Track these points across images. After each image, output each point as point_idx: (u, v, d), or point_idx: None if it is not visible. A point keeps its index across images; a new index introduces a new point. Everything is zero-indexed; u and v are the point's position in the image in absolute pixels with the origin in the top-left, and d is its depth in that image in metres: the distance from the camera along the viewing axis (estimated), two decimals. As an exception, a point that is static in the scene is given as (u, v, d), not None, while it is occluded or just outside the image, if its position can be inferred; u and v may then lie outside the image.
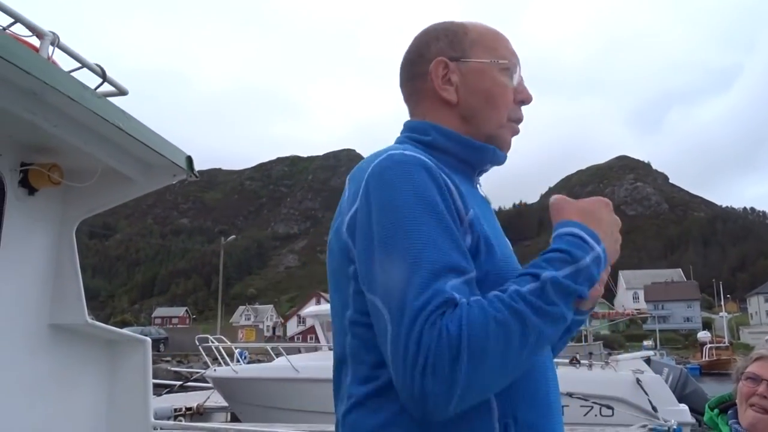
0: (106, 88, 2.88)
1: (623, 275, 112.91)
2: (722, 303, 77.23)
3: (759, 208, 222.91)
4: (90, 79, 2.80)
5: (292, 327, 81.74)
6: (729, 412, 2.09)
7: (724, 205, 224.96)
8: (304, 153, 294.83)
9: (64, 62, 2.79)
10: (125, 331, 3.42)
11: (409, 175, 0.98)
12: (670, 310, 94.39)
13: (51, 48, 2.64)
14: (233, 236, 67.72)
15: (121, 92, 2.92)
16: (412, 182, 0.97)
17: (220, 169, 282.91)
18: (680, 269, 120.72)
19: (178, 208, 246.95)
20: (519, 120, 1.22)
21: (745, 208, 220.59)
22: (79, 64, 2.80)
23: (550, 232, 1.04)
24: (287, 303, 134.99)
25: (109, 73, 2.88)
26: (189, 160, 2.97)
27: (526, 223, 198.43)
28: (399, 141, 1.18)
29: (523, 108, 1.23)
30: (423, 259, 0.90)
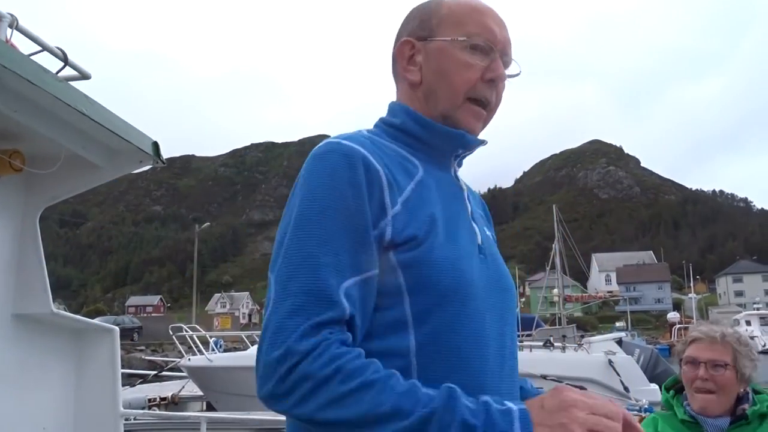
0: (68, 72, 2.80)
1: (596, 258, 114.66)
2: (692, 284, 78.88)
3: (728, 190, 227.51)
4: (51, 63, 2.73)
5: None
6: (684, 392, 2.11)
7: (694, 188, 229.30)
8: (278, 139, 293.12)
9: (24, 45, 2.71)
10: (92, 320, 3.36)
11: (329, 169, 1.02)
12: (641, 291, 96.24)
13: (9, 30, 2.56)
14: (207, 223, 67.06)
15: (84, 76, 2.84)
16: (328, 178, 1.01)
17: (193, 156, 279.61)
18: (651, 251, 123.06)
19: (150, 195, 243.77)
20: (481, 99, 1.15)
21: (714, 191, 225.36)
22: (39, 48, 2.72)
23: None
24: (263, 290, 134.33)
25: (71, 57, 2.81)
26: (155, 145, 2.91)
27: (501, 207, 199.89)
28: (376, 123, 1.22)
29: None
30: (316, 268, 0.95)
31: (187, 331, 11.74)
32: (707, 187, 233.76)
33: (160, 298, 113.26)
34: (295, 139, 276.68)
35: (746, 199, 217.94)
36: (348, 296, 0.96)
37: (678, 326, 54.15)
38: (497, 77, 1.16)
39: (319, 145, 1.07)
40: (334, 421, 0.88)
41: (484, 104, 1.17)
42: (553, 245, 31.49)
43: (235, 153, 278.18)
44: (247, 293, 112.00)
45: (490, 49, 1.15)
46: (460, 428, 0.85)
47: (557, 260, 31.13)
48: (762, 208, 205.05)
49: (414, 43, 1.18)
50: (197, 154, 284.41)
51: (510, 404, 0.89)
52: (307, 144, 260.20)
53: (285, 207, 1.06)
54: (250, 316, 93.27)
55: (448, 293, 1.02)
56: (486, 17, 1.18)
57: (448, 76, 1.15)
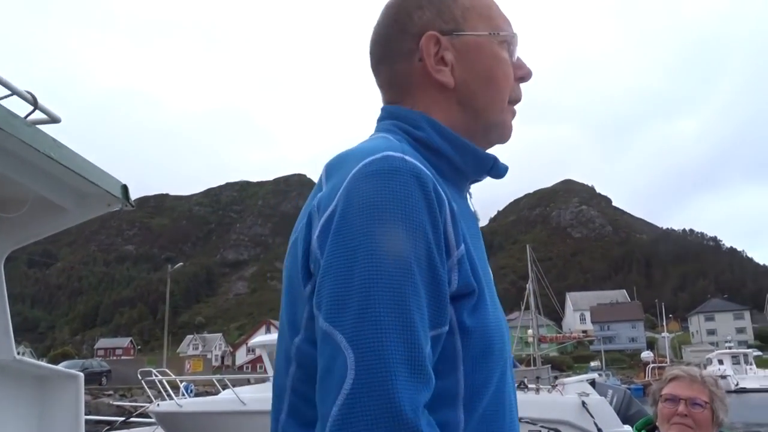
0: (38, 115, 2.81)
1: (570, 297, 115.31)
2: (664, 323, 79.55)
3: (698, 229, 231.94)
4: (21, 107, 2.74)
5: (242, 356, 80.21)
6: None
7: (664, 227, 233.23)
8: (253, 178, 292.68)
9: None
10: (56, 366, 3.30)
11: (402, 194, 0.79)
12: (615, 330, 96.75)
13: (-22, 75, 2.57)
14: (181, 263, 66.20)
15: (53, 120, 2.84)
16: (407, 206, 0.79)
17: (167, 195, 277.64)
18: (624, 290, 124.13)
19: (123, 234, 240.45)
20: (518, 100, 1.04)
21: (684, 230, 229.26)
22: (8, 92, 2.73)
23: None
24: (236, 331, 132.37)
25: (50, 95, 2.83)
26: (124, 189, 2.92)
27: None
28: (385, 129, 0.98)
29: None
30: (412, 328, 0.75)
31: (156, 375, 11.47)
32: (677, 226, 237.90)
33: (131, 340, 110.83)
34: (271, 178, 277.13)
35: (716, 237, 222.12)
36: (429, 359, 0.77)
37: (652, 365, 54.42)
38: (529, 75, 1.04)
39: (372, 157, 0.82)
40: None
41: (517, 103, 1.05)
42: (527, 285, 31.70)
43: (209, 192, 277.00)
44: (220, 335, 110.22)
45: (514, 45, 1.03)
46: None
47: (531, 300, 31.30)
48: (731, 247, 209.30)
49: (439, 38, 0.98)
50: (171, 193, 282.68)
51: None
52: (282, 183, 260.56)
53: (330, 234, 0.80)
54: (222, 358, 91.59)
55: (499, 362, 0.88)
56: (502, 9, 1.05)
57: (494, 79, 0.99)
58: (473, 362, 0.84)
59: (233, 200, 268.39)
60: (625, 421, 10.98)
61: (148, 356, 70.56)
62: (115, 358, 79.20)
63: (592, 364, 63.79)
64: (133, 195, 3.01)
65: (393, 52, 1.01)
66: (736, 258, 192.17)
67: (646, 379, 49.27)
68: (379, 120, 1.02)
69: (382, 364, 0.72)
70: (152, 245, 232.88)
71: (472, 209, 1.01)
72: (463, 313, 0.84)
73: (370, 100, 1.11)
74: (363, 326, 0.74)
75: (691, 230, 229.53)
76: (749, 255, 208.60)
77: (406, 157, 0.83)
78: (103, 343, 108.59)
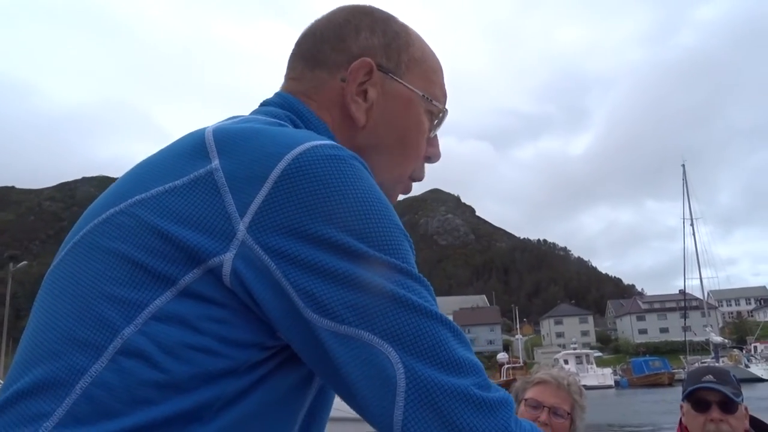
0: None
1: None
2: (518, 326, 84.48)
3: (550, 240, 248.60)
4: None
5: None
6: None
7: (521, 237, 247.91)
8: (115, 174, 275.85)
9: None
10: None
11: (368, 181, 0.68)
12: (476, 333, 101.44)
13: None
14: (25, 262, 60.64)
15: None
16: (371, 185, 0.68)
17: (13, 188, 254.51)
18: (485, 295, 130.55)
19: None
20: (419, 179, 0.91)
21: (539, 240, 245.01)
22: None
23: None
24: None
25: None
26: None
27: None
28: (277, 116, 0.80)
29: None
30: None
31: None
32: (533, 236, 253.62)
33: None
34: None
35: (566, 248, 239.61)
36: None
37: (507, 366, 57.58)
38: (436, 157, 0.92)
39: (316, 145, 0.67)
40: None
41: (415, 181, 0.92)
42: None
43: (63, 186, 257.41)
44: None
45: (440, 122, 0.90)
46: None
47: (396, 303, 32.01)
48: (579, 257, 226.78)
49: (374, 69, 0.84)
50: (18, 186, 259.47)
51: None
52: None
53: (315, 221, 0.63)
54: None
55: None
56: (444, 81, 0.92)
57: (406, 142, 0.86)
58: None
59: (91, 196, 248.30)
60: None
61: (-16, 364, 64.05)
62: (-57, 366, 71.07)
63: (453, 366, 66.13)
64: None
65: (320, 55, 0.86)
66: (582, 267, 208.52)
67: (502, 379, 52.05)
68: (269, 103, 0.86)
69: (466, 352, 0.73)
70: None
71: None
72: None
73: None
74: (404, 328, 0.68)
75: (545, 240, 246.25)
76: (593, 264, 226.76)
77: (337, 144, 0.71)
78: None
